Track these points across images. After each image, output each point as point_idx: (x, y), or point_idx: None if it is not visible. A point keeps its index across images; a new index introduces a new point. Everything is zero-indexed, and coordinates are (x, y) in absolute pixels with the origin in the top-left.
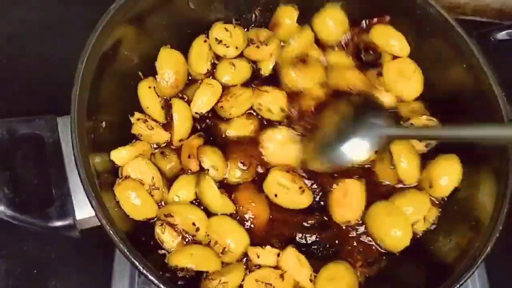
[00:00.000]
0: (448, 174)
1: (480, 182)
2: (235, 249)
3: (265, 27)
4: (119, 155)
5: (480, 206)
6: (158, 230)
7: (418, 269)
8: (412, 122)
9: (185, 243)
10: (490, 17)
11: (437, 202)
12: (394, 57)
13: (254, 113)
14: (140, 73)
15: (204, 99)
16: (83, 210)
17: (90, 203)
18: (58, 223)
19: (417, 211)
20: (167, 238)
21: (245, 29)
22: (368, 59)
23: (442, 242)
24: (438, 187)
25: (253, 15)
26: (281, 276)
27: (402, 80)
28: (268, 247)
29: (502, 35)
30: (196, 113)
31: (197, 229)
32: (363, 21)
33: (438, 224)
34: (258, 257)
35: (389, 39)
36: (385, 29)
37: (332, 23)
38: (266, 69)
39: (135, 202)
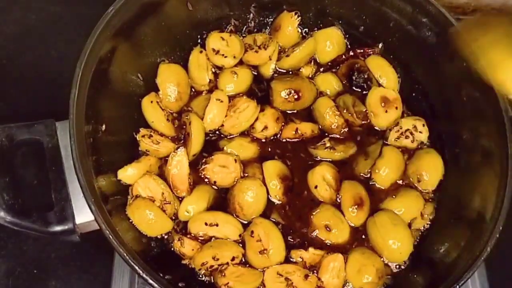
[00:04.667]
0: (432, 166)
1: (480, 182)
2: (273, 254)
3: (263, 29)
4: (126, 173)
5: (480, 206)
6: (176, 245)
7: (418, 269)
8: (401, 125)
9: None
10: None
11: (430, 196)
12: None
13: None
14: (139, 75)
15: (215, 117)
16: (83, 214)
17: (89, 207)
18: (58, 228)
19: (412, 209)
20: (188, 248)
21: (243, 30)
22: (358, 81)
23: (442, 242)
24: (425, 180)
25: (251, 14)
26: (306, 276)
27: (381, 109)
28: (311, 248)
29: None
30: (210, 130)
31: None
32: (357, 49)
33: (438, 224)
34: (302, 259)
35: (380, 71)
36: (379, 61)
37: (330, 42)
38: (266, 73)
39: (149, 220)
